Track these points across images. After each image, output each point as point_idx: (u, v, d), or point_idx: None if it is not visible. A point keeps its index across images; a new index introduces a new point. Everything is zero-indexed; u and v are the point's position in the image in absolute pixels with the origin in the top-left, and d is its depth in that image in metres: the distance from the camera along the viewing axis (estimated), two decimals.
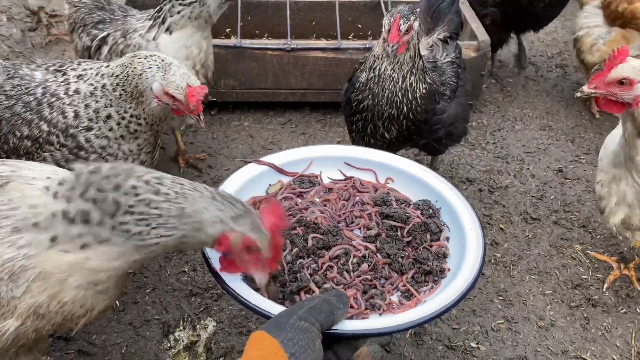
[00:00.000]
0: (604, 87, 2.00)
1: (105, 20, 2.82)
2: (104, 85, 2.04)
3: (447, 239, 1.95)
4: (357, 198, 2.09)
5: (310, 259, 1.85)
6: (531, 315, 2.41)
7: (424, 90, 2.41)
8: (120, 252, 1.37)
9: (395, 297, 1.77)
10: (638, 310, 2.43)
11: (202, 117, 2.10)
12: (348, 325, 1.55)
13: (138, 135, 2.12)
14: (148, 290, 2.45)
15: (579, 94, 2.07)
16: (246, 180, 2.08)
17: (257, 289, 1.65)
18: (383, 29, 2.26)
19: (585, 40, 3.06)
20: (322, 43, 3.40)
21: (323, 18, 3.74)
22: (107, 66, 2.10)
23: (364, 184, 2.16)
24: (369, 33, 3.79)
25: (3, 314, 1.39)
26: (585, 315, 2.39)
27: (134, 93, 2.02)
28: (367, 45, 3.28)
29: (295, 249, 1.87)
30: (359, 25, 3.84)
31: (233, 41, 3.29)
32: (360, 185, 2.14)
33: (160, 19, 2.58)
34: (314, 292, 1.74)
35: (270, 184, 2.14)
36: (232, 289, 1.63)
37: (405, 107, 2.41)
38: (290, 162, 2.18)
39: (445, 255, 1.89)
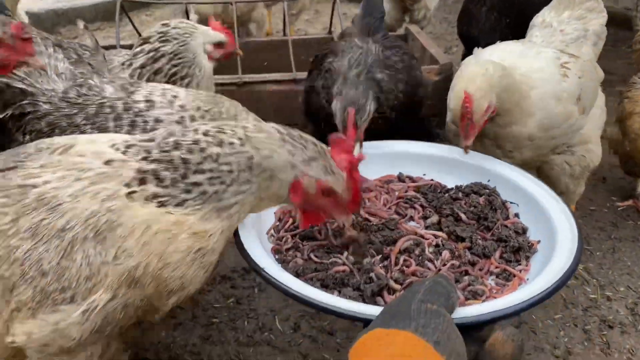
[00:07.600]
0: None
1: None
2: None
3: (517, 215, 1.68)
4: (396, 193, 1.78)
5: (375, 258, 1.49)
6: (544, 345, 1.98)
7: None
8: (201, 216, 1.20)
9: (491, 282, 1.45)
10: None
11: None
12: (472, 311, 1.21)
13: None
14: None
15: None
16: None
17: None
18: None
19: None
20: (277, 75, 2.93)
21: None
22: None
23: (394, 179, 1.86)
24: None
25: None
26: (604, 340, 2.01)
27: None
28: None
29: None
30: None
31: None
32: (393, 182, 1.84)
33: None
34: (395, 291, 1.38)
35: None
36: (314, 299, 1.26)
37: None
38: None
39: (524, 230, 1.60)
